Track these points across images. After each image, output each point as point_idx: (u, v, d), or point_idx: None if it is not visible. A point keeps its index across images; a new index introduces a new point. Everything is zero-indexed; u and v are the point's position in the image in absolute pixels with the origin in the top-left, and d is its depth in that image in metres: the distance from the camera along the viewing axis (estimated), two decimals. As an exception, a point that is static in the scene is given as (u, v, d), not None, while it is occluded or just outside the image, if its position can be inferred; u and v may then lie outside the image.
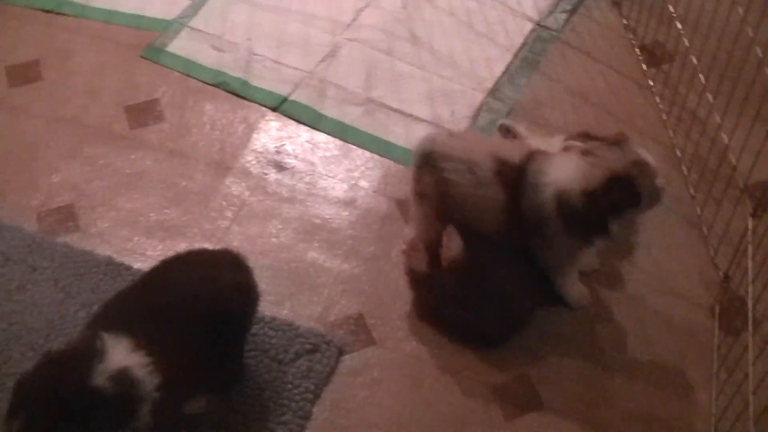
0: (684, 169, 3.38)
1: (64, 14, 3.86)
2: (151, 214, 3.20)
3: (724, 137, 3.09)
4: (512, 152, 2.86)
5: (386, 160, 3.40)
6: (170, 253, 2.88)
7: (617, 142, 2.76)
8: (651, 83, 3.70)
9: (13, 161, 3.34)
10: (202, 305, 2.51)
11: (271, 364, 2.83)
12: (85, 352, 2.31)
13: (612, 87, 3.71)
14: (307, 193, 3.29)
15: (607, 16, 3.99)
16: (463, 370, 2.88)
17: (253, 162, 3.37)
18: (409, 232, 3.10)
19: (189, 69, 3.66)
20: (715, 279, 3.10)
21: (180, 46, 3.75)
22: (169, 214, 3.21)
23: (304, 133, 3.48)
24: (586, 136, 2.90)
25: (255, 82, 3.62)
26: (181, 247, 3.07)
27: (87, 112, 3.50)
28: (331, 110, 3.55)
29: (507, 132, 3.18)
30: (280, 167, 3.36)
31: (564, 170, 2.75)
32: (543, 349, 2.94)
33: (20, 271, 3.00)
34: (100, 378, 2.26)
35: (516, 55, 3.81)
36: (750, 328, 2.68)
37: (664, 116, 3.56)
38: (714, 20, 3.21)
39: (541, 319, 2.99)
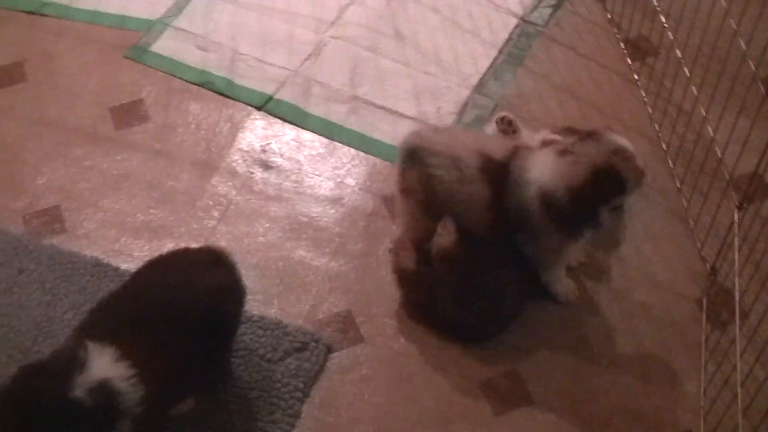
0: (670, 162, 3.38)
1: (47, 15, 3.84)
2: (138, 215, 3.20)
3: (710, 130, 3.10)
4: (496, 148, 2.86)
5: (372, 158, 3.40)
6: (157, 254, 2.87)
7: (590, 135, 2.77)
8: (636, 77, 3.70)
9: (-3, 164, 3.34)
10: (187, 310, 2.48)
11: (260, 363, 2.83)
12: (66, 363, 2.27)
13: (597, 81, 3.71)
14: (294, 191, 3.29)
15: (592, 11, 3.99)
16: (452, 367, 2.88)
17: (239, 161, 3.36)
18: (396, 229, 3.10)
19: (173, 69, 3.66)
20: (703, 272, 3.11)
21: (164, 46, 3.74)
22: (155, 215, 3.20)
23: (290, 131, 3.48)
24: (570, 131, 2.90)
25: (240, 81, 3.62)
26: (169, 247, 3.07)
27: (72, 114, 3.49)
28: (316, 108, 3.55)
29: (509, 125, 3.15)
30: (266, 166, 3.36)
31: (546, 169, 2.76)
32: (531, 344, 2.94)
33: (7, 274, 2.99)
34: (79, 390, 2.21)
35: (501, 51, 3.81)
36: (737, 320, 2.68)
37: (650, 110, 3.57)
38: (698, 13, 3.22)
39: (528, 314, 2.99)
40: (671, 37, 3.39)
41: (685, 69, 3.26)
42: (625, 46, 3.82)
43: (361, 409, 2.79)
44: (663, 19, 3.46)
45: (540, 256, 2.96)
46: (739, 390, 2.53)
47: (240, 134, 3.45)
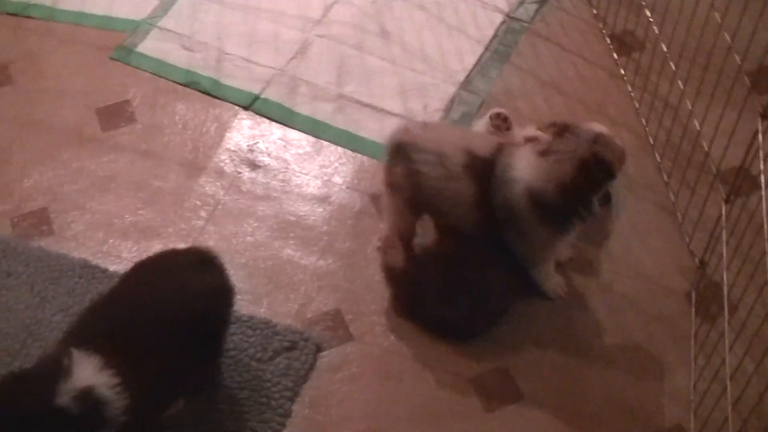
0: (657, 156, 3.39)
1: (31, 17, 3.83)
2: (126, 216, 3.19)
3: (696, 124, 3.10)
4: (482, 145, 2.86)
5: (359, 156, 3.40)
6: (146, 255, 2.87)
7: (564, 130, 2.79)
8: (622, 72, 3.70)
9: (-16, 166, 3.33)
10: (175, 316, 2.46)
11: (249, 362, 2.82)
12: (51, 371, 2.26)
13: (583, 77, 3.72)
14: (281, 190, 3.28)
15: (577, 7, 3.99)
16: (442, 364, 2.88)
17: (227, 161, 3.36)
18: (384, 226, 3.09)
19: (159, 69, 3.65)
20: (691, 265, 3.12)
21: (150, 46, 3.73)
22: (143, 216, 3.19)
23: (277, 130, 3.48)
24: (555, 126, 2.91)
25: (226, 81, 3.61)
26: (157, 248, 3.06)
27: (58, 115, 3.48)
28: (303, 107, 3.55)
29: (504, 121, 3.15)
30: (253, 165, 3.35)
31: (530, 169, 2.77)
32: (520, 340, 2.95)
33: (-5, 277, 2.99)
34: (63, 397, 2.20)
35: (487, 47, 3.81)
36: (726, 313, 2.69)
37: (636, 104, 3.57)
38: (683, 7, 3.22)
39: (517, 311, 2.99)
40: (656, 32, 3.39)
41: (671, 63, 3.27)
42: (610, 41, 3.82)
43: (351, 407, 2.78)
44: (648, 14, 3.46)
45: (528, 253, 2.96)
46: (728, 383, 2.53)
47: (227, 134, 3.44)
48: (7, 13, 3.84)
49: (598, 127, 2.81)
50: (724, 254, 2.79)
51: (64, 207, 3.20)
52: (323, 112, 3.53)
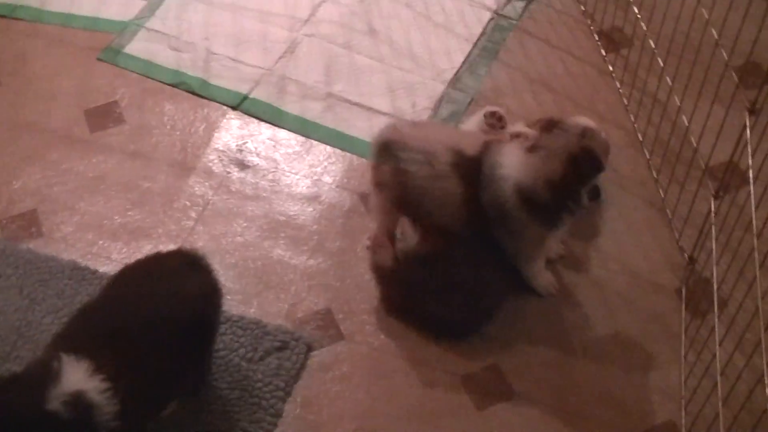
0: (646, 152, 3.39)
1: (19, 19, 3.82)
2: (115, 217, 3.18)
3: (685, 120, 3.10)
4: (469, 143, 2.87)
5: (348, 155, 3.40)
6: (135, 256, 2.87)
7: (551, 125, 2.80)
8: (611, 68, 3.71)
9: (-28, 169, 3.32)
10: (164, 320, 2.44)
11: (240, 363, 2.82)
12: (40, 375, 2.24)
13: (572, 73, 3.72)
14: (271, 190, 3.28)
15: (565, 3, 4.00)
16: (433, 362, 2.88)
17: (216, 161, 3.36)
18: (373, 225, 3.09)
19: (147, 70, 3.64)
20: (681, 261, 3.12)
21: (137, 47, 3.72)
22: (133, 216, 3.19)
23: (266, 130, 3.47)
24: (541, 122, 2.91)
25: (214, 81, 3.61)
26: (147, 248, 3.06)
27: (46, 117, 3.47)
28: (291, 106, 3.54)
29: (498, 120, 3.15)
30: (242, 165, 3.35)
31: (519, 165, 2.78)
32: (511, 337, 2.95)
33: (-16, 280, 2.98)
34: (53, 402, 2.19)
35: (475, 45, 3.81)
36: (716, 309, 2.69)
37: (625, 101, 3.57)
38: (670, 3, 3.24)
39: (508, 308, 2.99)
40: (644, 28, 3.39)
41: (659, 59, 3.28)
42: (599, 37, 3.82)
43: (343, 406, 2.78)
44: (636, 10, 3.47)
45: (518, 250, 2.96)
46: (719, 379, 2.53)
47: (216, 134, 3.44)
48: (-6, 16, 3.84)
49: (585, 121, 2.83)
50: (714, 250, 2.80)
51: (53, 208, 3.19)
52: (312, 111, 3.53)
